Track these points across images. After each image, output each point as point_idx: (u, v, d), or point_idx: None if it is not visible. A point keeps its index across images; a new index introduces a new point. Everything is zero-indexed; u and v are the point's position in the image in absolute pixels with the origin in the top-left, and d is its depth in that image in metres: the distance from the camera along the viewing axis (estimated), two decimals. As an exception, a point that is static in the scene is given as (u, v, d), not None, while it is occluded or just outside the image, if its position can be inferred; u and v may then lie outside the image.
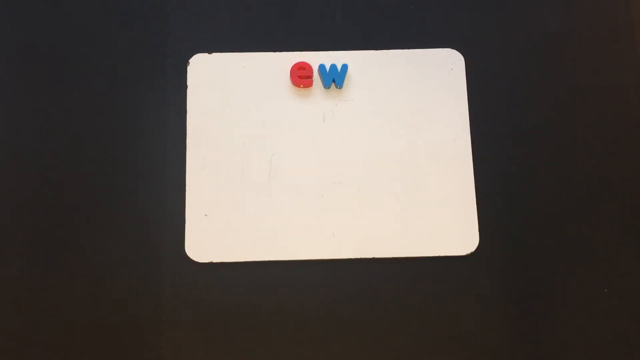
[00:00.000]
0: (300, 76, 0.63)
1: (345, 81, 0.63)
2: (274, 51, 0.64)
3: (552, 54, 0.65)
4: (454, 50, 0.64)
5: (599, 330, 0.59)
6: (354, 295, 0.59)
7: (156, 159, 0.62)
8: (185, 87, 0.63)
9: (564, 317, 0.59)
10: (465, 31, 0.65)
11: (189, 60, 0.64)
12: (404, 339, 0.58)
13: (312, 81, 0.63)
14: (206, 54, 0.64)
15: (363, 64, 0.64)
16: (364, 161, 0.62)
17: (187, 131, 0.62)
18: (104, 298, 0.59)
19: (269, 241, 0.60)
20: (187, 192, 0.61)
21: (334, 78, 0.63)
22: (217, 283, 0.59)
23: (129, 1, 0.65)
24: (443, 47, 0.65)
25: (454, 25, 0.65)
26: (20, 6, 0.65)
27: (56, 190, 0.61)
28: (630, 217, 0.61)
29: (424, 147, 0.62)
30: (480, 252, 0.60)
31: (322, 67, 0.63)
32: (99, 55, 0.64)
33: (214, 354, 0.56)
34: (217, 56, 0.64)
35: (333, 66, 0.63)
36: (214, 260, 0.59)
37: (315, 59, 0.63)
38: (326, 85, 0.63)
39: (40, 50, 0.64)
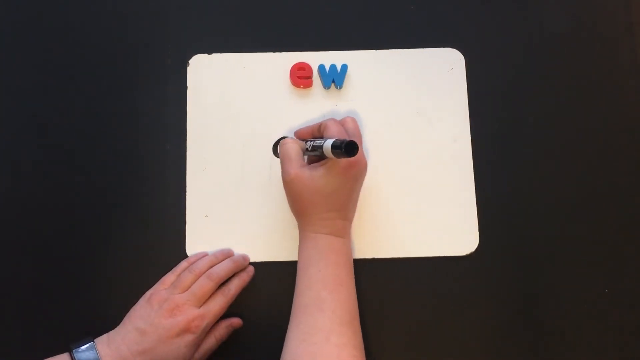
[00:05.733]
0: (300, 76, 0.62)
1: (345, 81, 0.63)
2: (274, 51, 0.64)
3: (552, 54, 0.65)
4: (454, 50, 0.64)
5: (600, 330, 0.59)
6: (354, 295, 0.59)
7: (156, 159, 0.62)
8: (185, 87, 0.63)
9: (564, 317, 0.59)
10: (465, 31, 0.65)
11: (189, 61, 0.64)
12: (404, 338, 0.58)
13: (312, 81, 0.63)
14: (206, 54, 0.64)
15: (363, 64, 0.64)
16: (364, 161, 0.62)
17: (187, 131, 0.62)
18: (104, 297, 0.59)
19: (269, 242, 0.60)
20: (187, 193, 0.61)
21: (334, 78, 0.63)
22: (218, 283, 0.59)
23: (129, 2, 0.65)
24: (443, 47, 0.65)
25: (454, 25, 0.65)
26: (21, 8, 0.65)
27: (56, 191, 0.61)
28: (630, 217, 0.61)
29: (424, 147, 0.62)
30: (480, 252, 0.60)
31: (322, 68, 0.63)
32: (99, 55, 0.64)
33: (214, 354, 0.56)
34: (217, 57, 0.64)
35: (333, 66, 0.63)
36: (215, 261, 0.59)
37: (315, 59, 0.63)
38: (326, 86, 0.63)
39: (40, 51, 0.64)
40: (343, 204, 0.55)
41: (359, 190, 0.57)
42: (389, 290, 0.59)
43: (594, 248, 0.60)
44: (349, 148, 0.49)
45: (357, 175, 0.54)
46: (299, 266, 0.54)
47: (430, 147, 0.62)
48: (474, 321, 0.59)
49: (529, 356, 0.58)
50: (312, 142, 0.55)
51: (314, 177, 0.53)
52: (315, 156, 0.55)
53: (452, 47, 0.65)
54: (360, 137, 0.56)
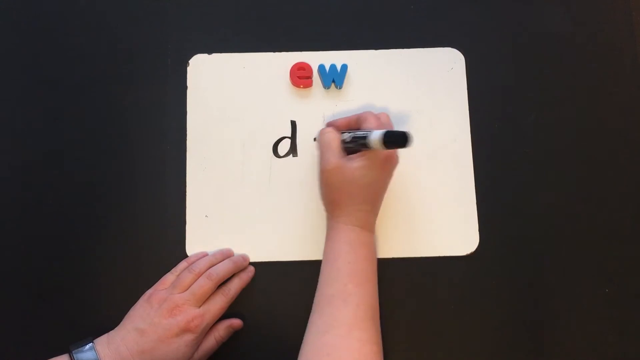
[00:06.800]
0: (300, 76, 0.62)
1: (345, 81, 0.63)
2: (274, 51, 0.64)
3: (552, 54, 0.65)
4: (455, 50, 0.64)
5: (600, 329, 0.59)
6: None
7: (156, 159, 0.62)
8: (185, 87, 0.63)
9: (564, 316, 0.59)
10: (465, 31, 0.65)
11: (189, 61, 0.64)
12: (404, 338, 0.58)
13: (312, 81, 0.63)
14: (206, 54, 0.64)
15: (363, 64, 0.64)
16: (364, 161, 0.62)
17: (187, 131, 0.62)
18: (104, 297, 0.59)
19: (269, 242, 0.60)
20: (187, 193, 0.61)
21: (334, 78, 0.63)
22: (218, 283, 0.59)
23: (130, 2, 0.65)
24: (443, 47, 0.65)
25: (454, 25, 0.65)
26: (21, 8, 0.65)
27: (56, 191, 0.61)
28: (631, 217, 0.61)
29: (424, 147, 0.62)
30: (480, 252, 0.60)
31: (321, 68, 0.63)
32: (100, 55, 0.64)
33: (214, 354, 0.56)
34: (217, 56, 0.64)
35: (333, 66, 0.63)
36: (214, 261, 0.59)
37: (315, 59, 0.63)
38: (326, 86, 0.63)
39: (40, 52, 0.64)
40: (376, 198, 0.56)
41: (388, 185, 0.57)
42: (389, 290, 0.59)
43: (594, 248, 0.60)
44: (403, 139, 0.49)
45: (391, 170, 0.56)
46: (327, 256, 0.54)
47: (430, 147, 0.62)
48: (474, 321, 0.59)
49: (529, 356, 0.58)
50: (352, 134, 0.55)
51: (353, 168, 0.53)
52: (352, 148, 0.55)
53: (452, 47, 0.65)
54: None
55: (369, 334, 0.50)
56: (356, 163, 0.53)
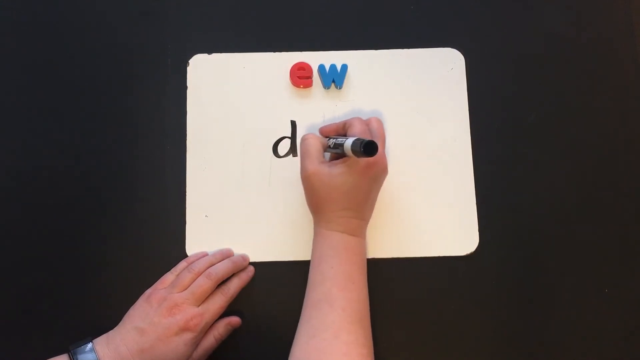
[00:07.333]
0: (300, 76, 0.62)
1: (345, 81, 0.63)
2: (274, 51, 0.64)
3: (552, 54, 0.65)
4: (455, 50, 0.64)
5: (599, 330, 0.59)
6: (354, 295, 0.59)
7: (156, 159, 0.62)
8: (185, 87, 0.63)
9: (564, 317, 0.59)
10: (465, 31, 0.65)
11: (189, 61, 0.64)
12: (404, 338, 0.58)
13: (312, 81, 0.63)
14: (206, 54, 0.64)
15: (363, 64, 0.64)
16: (363, 161, 0.62)
17: (187, 131, 0.62)
18: (104, 297, 0.59)
19: (269, 242, 0.60)
20: (187, 193, 0.61)
21: (334, 78, 0.63)
22: (218, 283, 0.59)
23: (130, 1, 0.65)
24: (443, 47, 0.65)
25: (454, 25, 0.65)
26: (21, 8, 0.65)
27: (56, 191, 0.61)
28: (630, 218, 0.61)
29: (424, 147, 0.62)
30: (480, 252, 0.60)
31: (321, 68, 0.63)
32: (99, 55, 0.64)
33: (213, 354, 0.56)
34: (217, 56, 0.64)
35: (333, 66, 0.63)
36: (214, 261, 0.59)
37: (315, 59, 0.63)
38: (326, 86, 0.63)
39: (39, 51, 0.64)
40: (360, 204, 0.55)
41: (378, 191, 0.57)
42: (389, 290, 0.59)
43: (594, 248, 0.60)
44: (368, 148, 0.48)
45: (376, 176, 0.55)
46: (312, 262, 0.55)
47: (430, 147, 0.62)
48: (474, 321, 0.59)
49: (529, 356, 0.58)
50: (334, 140, 0.55)
51: (333, 174, 0.53)
52: (337, 154, 0.55)
53: (452, 47, 0.65)
54: (383, 138, 0.57)
55: (356, 336, 0.50)
56: (336, 169, 0.53)
